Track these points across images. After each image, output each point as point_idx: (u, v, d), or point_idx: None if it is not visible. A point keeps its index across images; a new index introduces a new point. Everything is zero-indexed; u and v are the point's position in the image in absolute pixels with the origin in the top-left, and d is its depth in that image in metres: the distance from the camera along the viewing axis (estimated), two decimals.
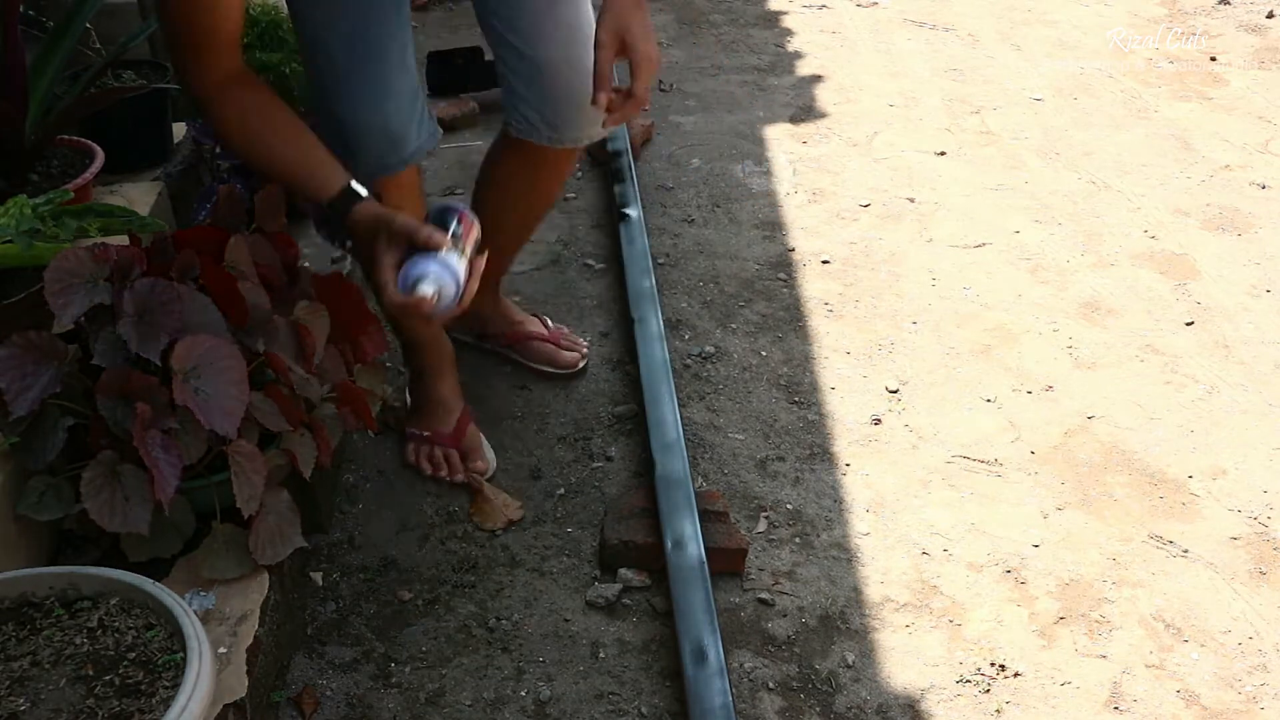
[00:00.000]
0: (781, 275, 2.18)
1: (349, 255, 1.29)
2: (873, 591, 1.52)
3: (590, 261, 2.20)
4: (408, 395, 1.76)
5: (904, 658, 1.43)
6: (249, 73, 1.32)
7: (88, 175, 1.63)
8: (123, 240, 1.36)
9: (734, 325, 2.04)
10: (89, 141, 1.72)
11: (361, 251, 1.27)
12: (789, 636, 1.46)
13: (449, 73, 2.77)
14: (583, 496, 1.66)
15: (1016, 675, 1.40)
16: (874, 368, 1.94)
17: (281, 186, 1.32)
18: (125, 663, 1.06)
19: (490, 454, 1.70)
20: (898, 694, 1.38)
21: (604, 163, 2.44)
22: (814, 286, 2.16)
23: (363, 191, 1.28)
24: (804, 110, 2.85)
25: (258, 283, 1.37)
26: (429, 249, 1.20)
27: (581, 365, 1.90)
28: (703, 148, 2.65)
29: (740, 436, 1.79)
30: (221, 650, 1.22)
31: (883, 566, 1.56)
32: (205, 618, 1.26)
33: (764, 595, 1.51)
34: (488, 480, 1.66)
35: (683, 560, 1.47)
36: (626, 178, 2.33)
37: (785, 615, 1.48)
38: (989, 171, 2.57)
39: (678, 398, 1.79)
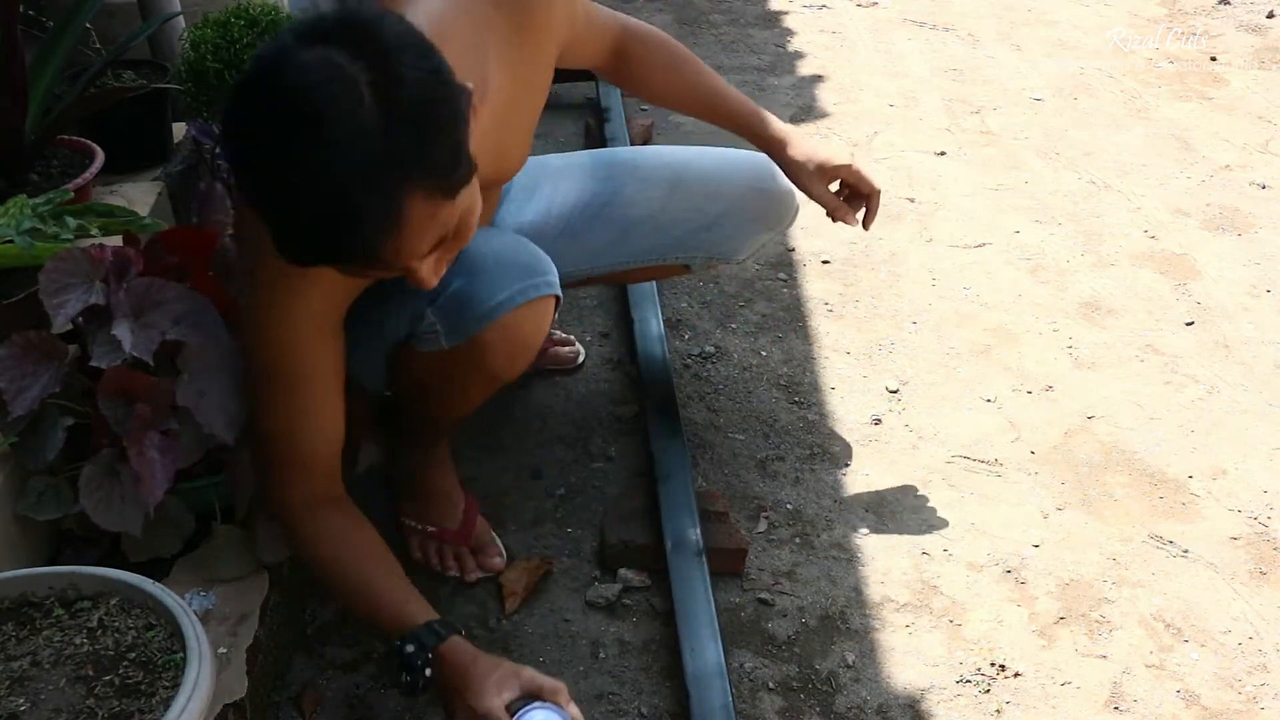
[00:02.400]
0: (781, 275, 2.18)
1: (417, 690, 1.15)
2: (873, 591, 1.52)
3: None
4: (392, 466, 1.56)
5: (904, 658, 1.43)
6: (341, 498, 1.26)
7: (88, 175, 1.63)
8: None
9: (734, 325, 2.04)
10: (89, 141, 1.72)
11: (445, 686, 1.15)
12: (789, 636, 1.45)
13: None
14: (583, 496, 1.66)
15: (1016, 675, 1.40)
16: (874, 368, 1.94)
17: (356, 613, 1.24)
18: (125, 663, 1.06)
19: (501, 545, 1.54)
20: (898, 694, 1.38)
21: None
22: (814, 286, 2.16)
23: (456, 626, 1.19)
24: (804, 110, 2.85)
25: None
26: (550, 700, 1.12)
27: (580, 362, 1.90)
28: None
29: (740, 436, 1.79)
30: (221, 650, 1.22)
31: (883, 566, 1.56)
32: (205, 618, 1.26)
33: (764, 595, 1.51)
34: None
35: (683, 560, 1.47)
36: None
37: (785, 615, 1.48)
38: (989, 171, 2.57)
39: (678, 398, 1.79)
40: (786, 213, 1.60)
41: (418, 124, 0.91)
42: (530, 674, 1.13)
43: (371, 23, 0.92)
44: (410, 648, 1.14)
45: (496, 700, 1.10)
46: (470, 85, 0.99)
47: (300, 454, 1.20)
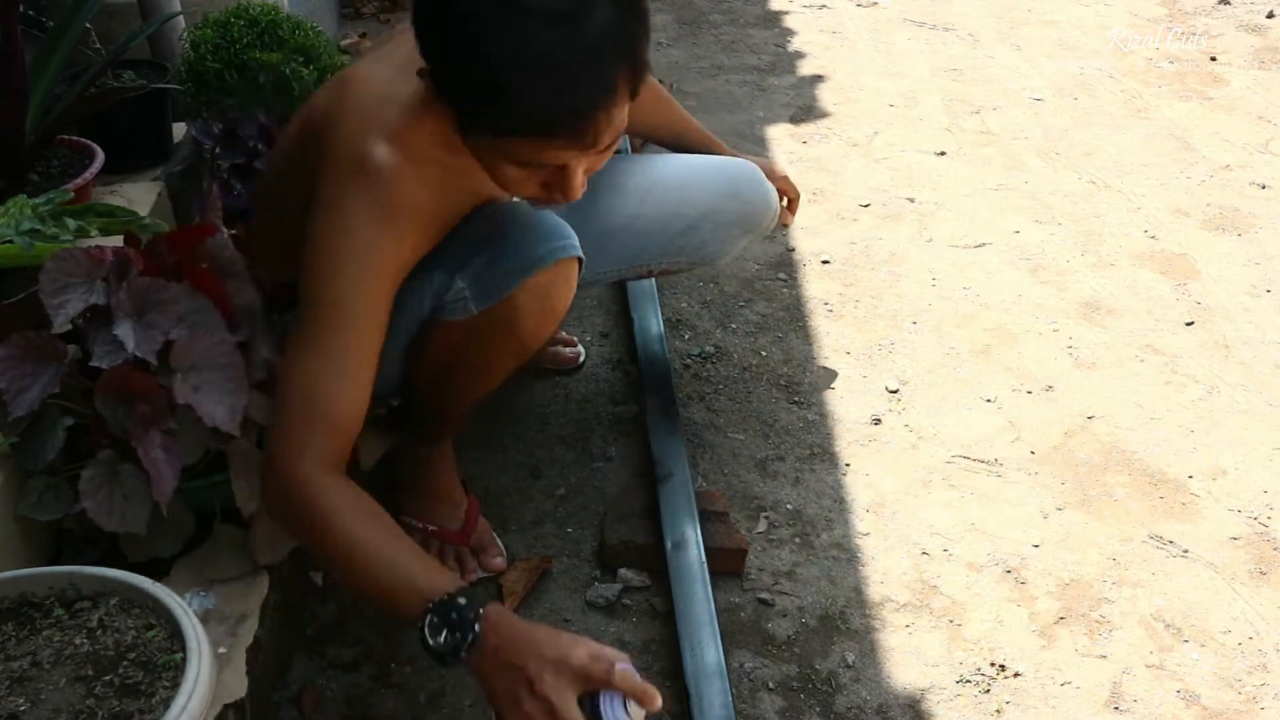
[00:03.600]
0: (781, 275, 2.18)
1: (460, 653, 1.02)
2: (873, 591, 1.52)
3: None
4: (395, 465, 1.55)
5: (904, 658, 1.43)
6: (347, 478, 1.14)
7: (88, 175, 1.63)
8: (121, 241, 1.35)
9: (734, 325, 2.04)
10: (89, 141, 1.72)
11: (495, 648, 1.01)
12: (789, 636, 1.45)
13: None
14: (583, 496, 1.66)
15: (1016, 675, 1.40)
16: (874, 368, 1.94)
17: (371, 591, 1.09)
18: (125, 663, 1.05)
19: (501, 545, 1.55)
20: (898, 694, 1.38)
21: None
22: (814, 286, 2.16)
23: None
24: (804, 110, 2.85)
25: (248, 280, 1.36)
26: (617, 690, 0.98)
27: (580, 362, 1.91)
28: None
29: (740, 436, 1.79)
30: (221, 650, 1.22)
31: (883, 566, 1.56)
32: (205, 618, 1.26)
33: (764, 595, 1.51)
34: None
35: (683, 560, 1.47)
36: None
37: (785, 615, 1.48)
38: (989, 171, 2.57)
39: (678, 398, 1.79)
40: (763, 216, 1.66)
41: (639, 14, 1.05)
42: (593, 655, 1.00)
43: None
44: (463, 599, 1.02)
45: (583, 651, 0.99)
46: None
47: (322, 406, 1.12)
